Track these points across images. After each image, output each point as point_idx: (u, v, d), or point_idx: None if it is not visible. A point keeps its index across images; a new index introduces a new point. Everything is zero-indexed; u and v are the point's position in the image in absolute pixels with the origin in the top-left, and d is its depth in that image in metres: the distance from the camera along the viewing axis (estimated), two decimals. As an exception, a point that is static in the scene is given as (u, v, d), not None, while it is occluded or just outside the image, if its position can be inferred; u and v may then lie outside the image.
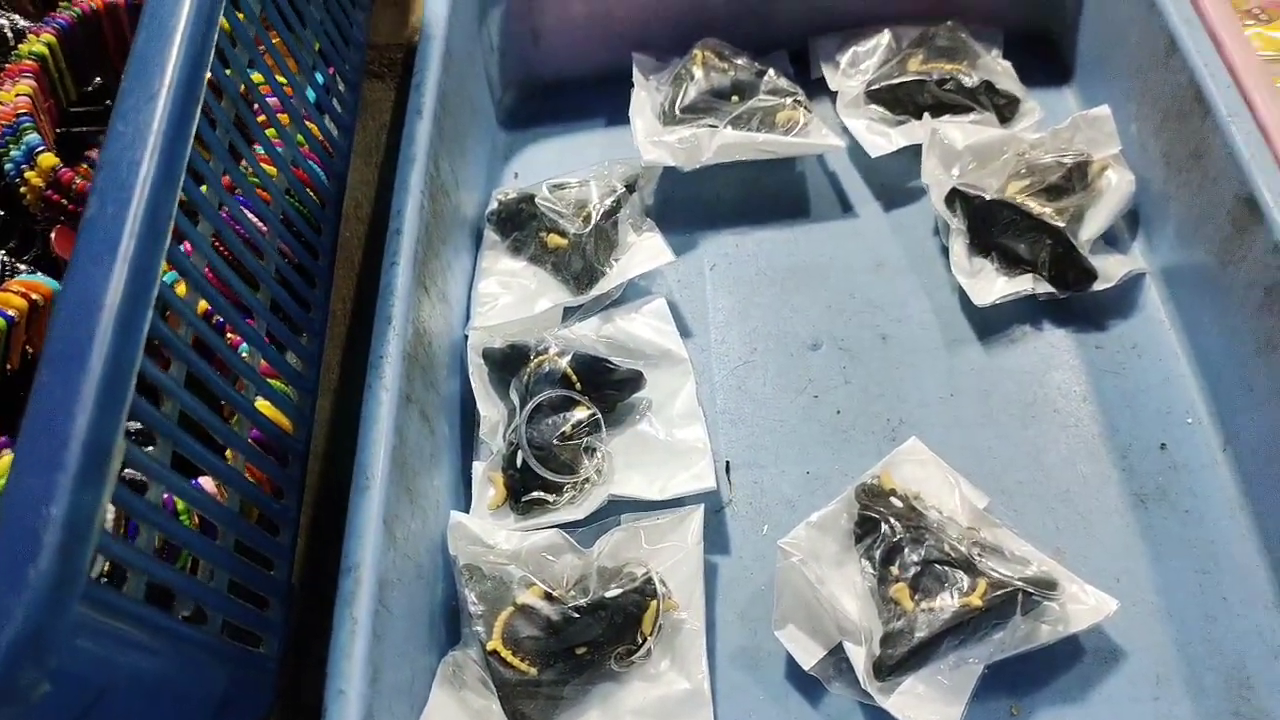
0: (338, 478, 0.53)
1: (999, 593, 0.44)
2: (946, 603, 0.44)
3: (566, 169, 0.64)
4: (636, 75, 0.68)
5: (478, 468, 0.54)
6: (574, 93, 0.73)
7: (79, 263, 0.32)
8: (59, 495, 0.28)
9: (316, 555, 0.51)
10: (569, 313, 0.59)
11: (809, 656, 0.46)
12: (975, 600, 0.44)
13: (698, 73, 0.66)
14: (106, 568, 0.37)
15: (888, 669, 0.44)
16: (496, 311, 0.58)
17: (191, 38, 0.38)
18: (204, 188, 0.42)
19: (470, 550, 0.49)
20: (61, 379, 0.30)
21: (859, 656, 0.44)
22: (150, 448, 0.36)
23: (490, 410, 0.55)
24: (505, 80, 0.72)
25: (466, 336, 0.57)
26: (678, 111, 0.65)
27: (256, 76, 0.49)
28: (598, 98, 0.72)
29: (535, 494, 0.51)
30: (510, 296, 0.59)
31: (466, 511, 0.53)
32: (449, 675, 0.46)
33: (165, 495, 0.36)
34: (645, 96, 0.67)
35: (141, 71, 0.36)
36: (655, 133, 0.64)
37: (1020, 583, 0.44)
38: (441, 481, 0.52)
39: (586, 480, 0.52)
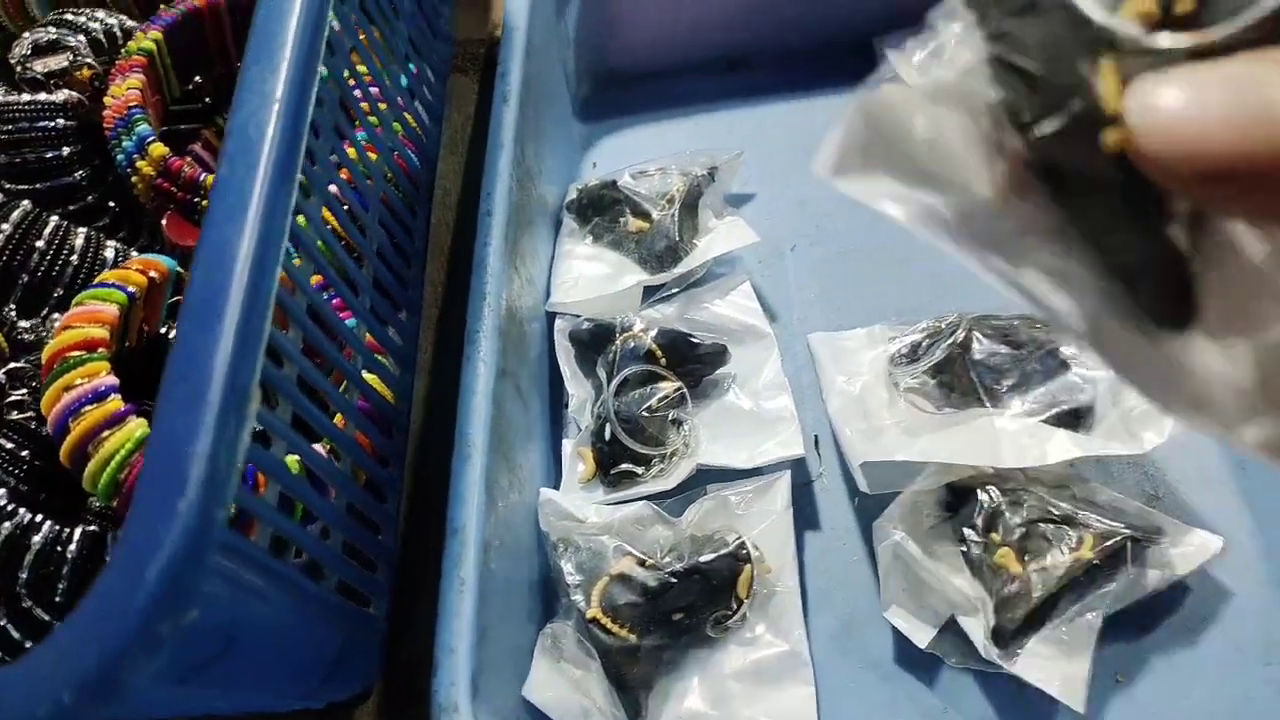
0: (432, 455, 0.54)
1: (1108, 543, 0.43)
2: (1058, 559, 0.43)
3: (643, 159, 0.65)
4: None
5: (567, 445, 0.55)
6: (650, 84, 0.74)
7: (213, 219, 0.33)
8: (203, 433, 0.29)
9: (414, 531, 0.52)
10: (649, 294, 0.60)
11: (922, 635, 0.46)
12: (1086, 553, 0.43)
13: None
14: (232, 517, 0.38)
15: (1009, 634, 0.43)
16: (578, 289, 0.59)
17: (309, 13, 0.39)
18: (315, 166, 0.43)
19: (561, 525, 0.50)
20: (201, 325, 0.31)
21: (976, 628, 0.44)
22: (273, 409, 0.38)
23: (578, 389, 0.56)
24: (581, 72, 0.73)
25: (551, 315, 0.58)
26: None
27: (360, 67, 0.51)
28: (673, 90, 0.73)
29: (624, 466, 0.52)
30: (591, 275, 0.60)
31: (557, 489, 0.53)
32: (548, 646, 0.47)
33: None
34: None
35: (264, 45, 0.38)
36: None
37: (1127, 530, 0.43)
38: (535, 457, 0.53)
39: (674, 452, 0.52)
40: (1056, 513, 0.45)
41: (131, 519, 0.28)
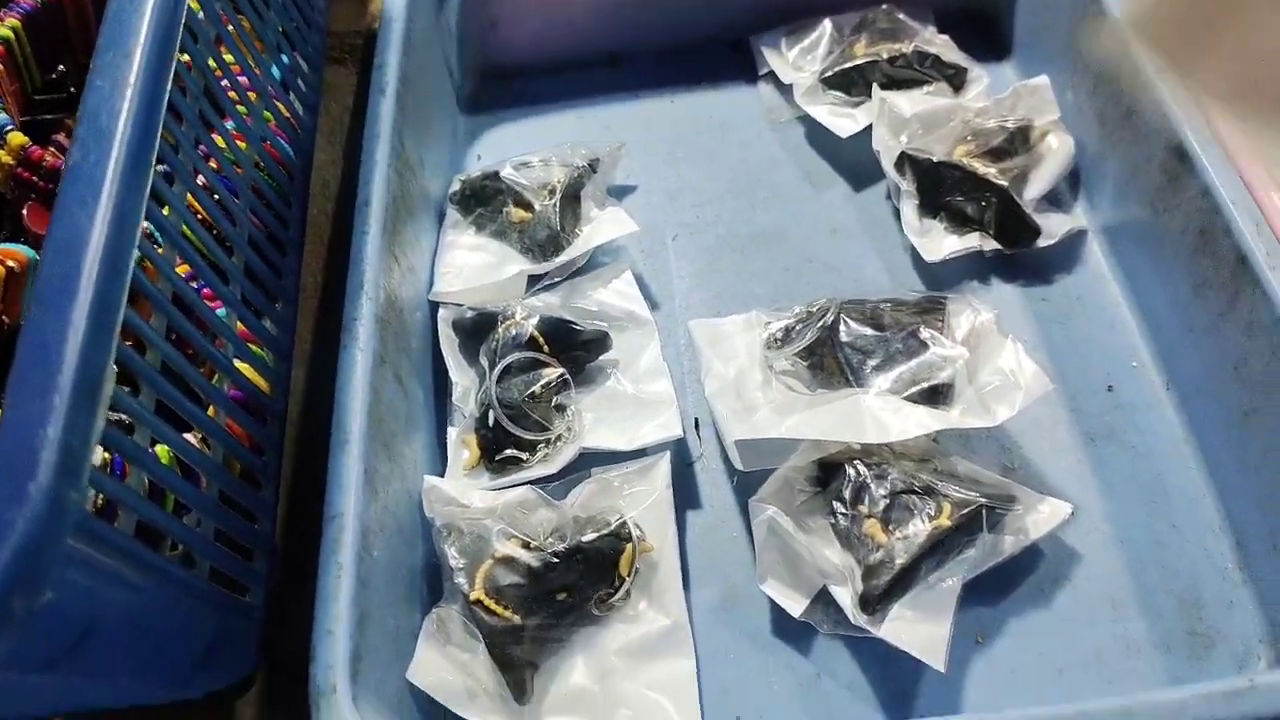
0: (314, 446, 0.54)
1: (964, 511, 0.46)
2: (919, 528, 0.46)
3: (525, 152, 0.65)
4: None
5: (452, 433, 0.55)
6: (533, 79, 0.74)
7: (64, 205, 0.33)
8: (54, 417, 0.29)
9: (295, 524, 0.52)
10: (533, 283, 0.61)
11: (796, 605, 0.47)
12: (944, 521, 0.46)
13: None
14: (99, 505, 0.37)
15: (875, 600, 0.45)
16: (461, 278, 0.59)
17: (163, 3, 0.39)
18: (179, 155, 0.43)
19: (446, 511, 0.50)
20: (52, 312, 0.31)
21: (845, 595, 0.46)
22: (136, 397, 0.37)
23: (462, 377, 0.56)
24: (465, 67, 0.73)
25: (435, 305, 0.59)
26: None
27: (227, 56, 0.50)
28: (556, 84, 0.74)
29: (508, 452, 0.52)
30: (474, 265, 0.60)
31: (443, 477, 0.54)
32: (433, 631, 0.47)
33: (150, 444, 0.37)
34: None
35: (116, 32, 0.38)
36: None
37: (983, 499, 0.46)
38: (419, 446, 0.53)
39: (558, 437, 0.53)
40: (918, 484, 0.48)
41: (-20, 504, 0.27)
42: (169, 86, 0.38)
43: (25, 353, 0.30)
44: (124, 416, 0.36)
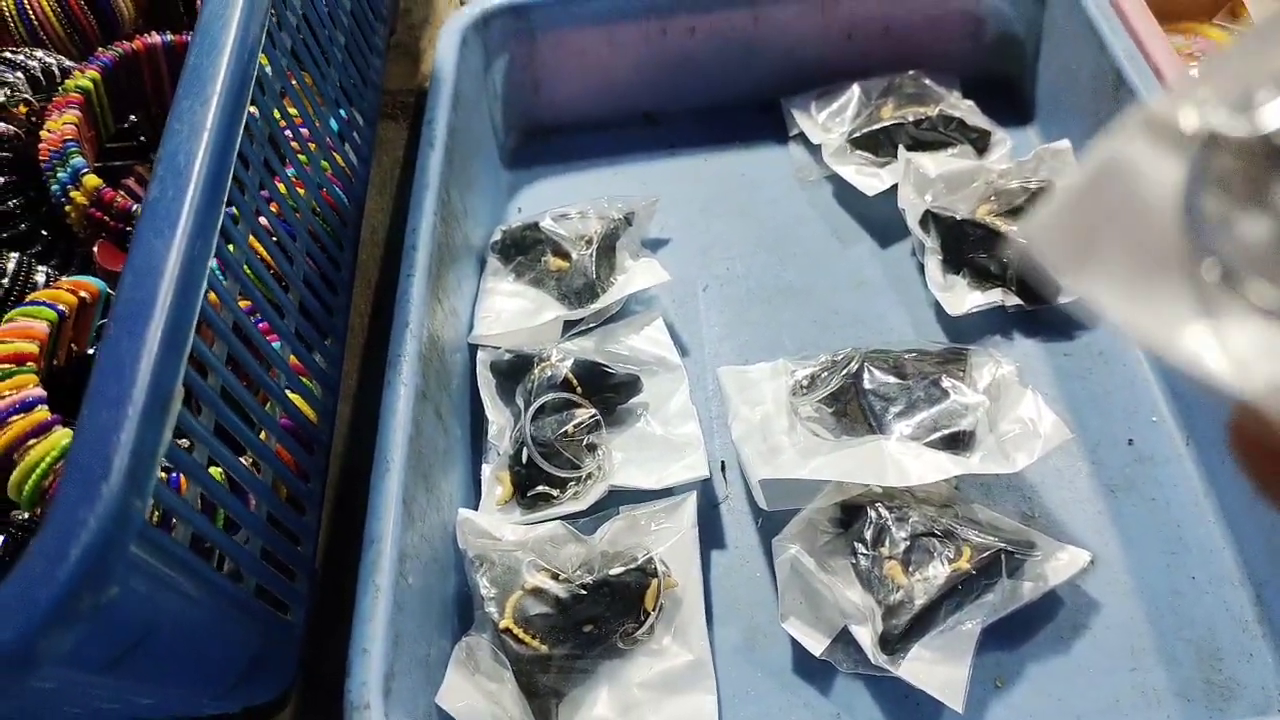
0: (355, 478, 0.56)
1: (984, 555, 0.47)
2: (939, 570, 0.47)
3: (564, 205, 0.68)
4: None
5: (486, 470, 0.57)
6: (573, 136, 0.78)
7: (143, 236, 0.35)
8: (127, 425, 0.31)
9: (334, 554, 0.54)
10: (568, 328, 0.63)
11: (816, 644, 0.48)
12: (964, 564, 0.47)
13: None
14: (156, 518, 0.40)
15: (895, 640, 0.46)
16: (500, 322, 0.62)
17: (238, 54, 0.42)
18: (245, 196, 0.46)
19: (479, 543, 0.52)
20: (128, 330, 0.33)
21: (865, 635, 0.47)
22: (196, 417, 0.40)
23: (498, 416, 0.58)
24: (509, 124, 0.77)
25: (474, 348, 0.61)
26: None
27: (291, 109, 0.54)
28: (595, 141, 0.77)
29: (540, 489, 0.54)
30: (512, 310, 0.63)
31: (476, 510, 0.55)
32: (463, 659, 0.49)
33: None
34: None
35: (195, 82, 0.41)
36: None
37: (1002, 544, 0.47)
38: (455, 481, 0.55)
39: (589, 475, 0.55)
40: (939, 528, 0.49)
41: (57, 502, 0.30)
42: (240, 134, 0.41)
43: (103, 367, 0.32)
44: (183, 439, 0.38)
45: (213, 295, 0.40)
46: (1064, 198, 0.19)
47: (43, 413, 0.41)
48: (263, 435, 0.45)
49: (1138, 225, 0.18)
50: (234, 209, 0.44)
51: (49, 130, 0.55)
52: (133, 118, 0.64)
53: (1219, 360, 0.16)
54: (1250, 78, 0.18)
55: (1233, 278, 0.17)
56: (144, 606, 0.34)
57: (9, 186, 0.55)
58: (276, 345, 0.48)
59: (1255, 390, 0.16)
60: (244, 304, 0.46)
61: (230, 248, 0.44)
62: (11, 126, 0.56)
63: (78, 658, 0.31)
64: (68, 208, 0.53)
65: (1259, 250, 0.17)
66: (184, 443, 0.40)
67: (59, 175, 0.53)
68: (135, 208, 0.53)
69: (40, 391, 0.42)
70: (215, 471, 0.42)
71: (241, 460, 0.44)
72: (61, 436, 0.41)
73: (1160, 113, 0.18)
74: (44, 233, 0.56)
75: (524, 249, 0.66)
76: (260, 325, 0.47)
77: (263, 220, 0.48)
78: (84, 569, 0.29)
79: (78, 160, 0.53)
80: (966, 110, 0.71)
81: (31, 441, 0.40)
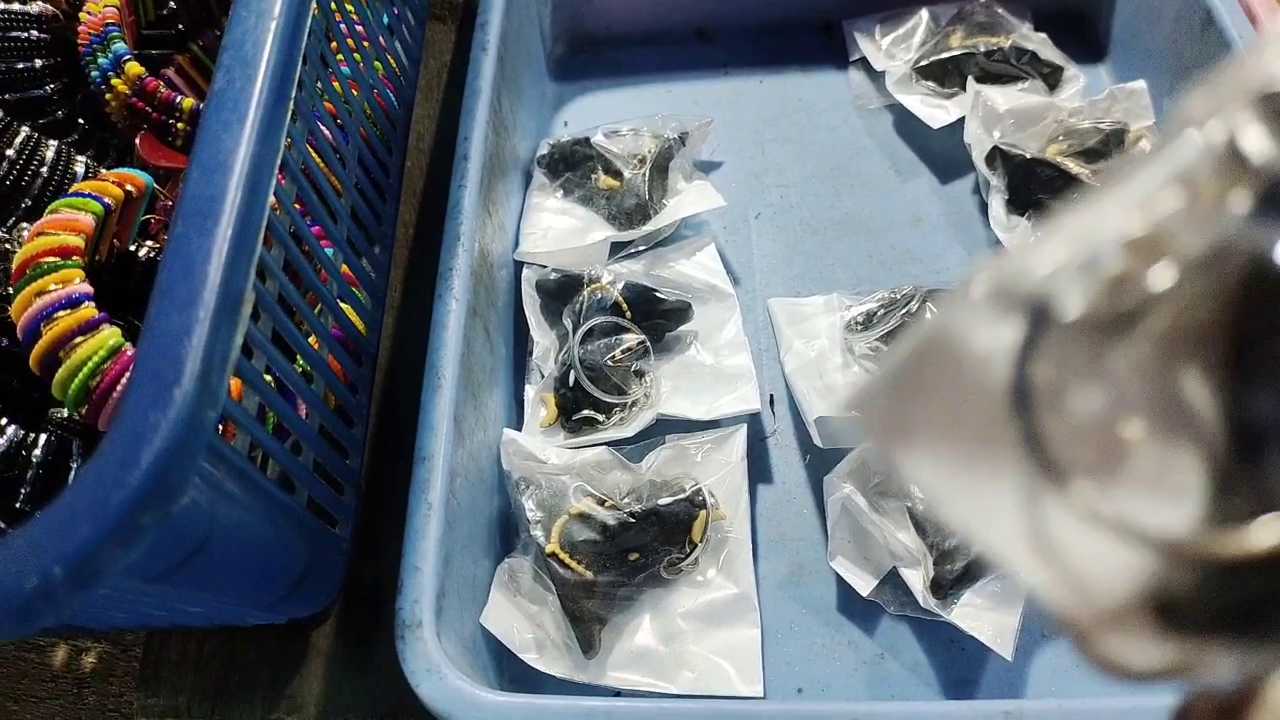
0: (398, 393, 0.55)
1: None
2: (996, 516, 0.46)
3: (611, 121, 0.66)
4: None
5: (530, 390, 0.56)
6: (622, 49, 0.75)
7: (209, 128, 0.33)
8: (198, 329, 0.30)
9: (378, 467, 0.53)
10: (616, 250, 0.61)
11: (864, 584, 0.48)
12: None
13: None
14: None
15: (947, 585, 0.46)
16: (547, 240, 0.60)
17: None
18: (302, 92, 0.44)
19: (524, 465, 0.51)
20: (197, 229, 0.31)
21: (916, 578, 0.46)
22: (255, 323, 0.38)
23: (543, 337, 0.57)
24: (557, 32, 0.74)
25: (519, 265, 0.59)
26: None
27: (348, 5, 0.51)
28: (645, 56, 0.74)
29: (586, 412, 0.53)
30: (560, 229, 0.61)
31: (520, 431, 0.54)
32: (505, 580, 0.48)
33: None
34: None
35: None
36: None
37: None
38: (499, 399, 0.54)
39: (635, 402, 0.54)
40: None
41: (126, 407, 0.28)
42: (308, 22, 0.39)
43: (171, 266, 0.31)
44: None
45: (270, 198, 0.38)
46: (892, 368, 0.17)
47: (90, 309, 0.40)
48: (314, 344, 0.43)
49: (964, 400, 0.17)
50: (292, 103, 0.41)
51: (89, 12, 0.52)
52: (171, 4, 0.61)
53: (1029, 565, 0.16)
54: (1097, 236, 0.17)
55: (1058, 473, 0.16)
56: (204, 516, 0.33)
57: (46, 69, 0.52)
58: (329, 252, 0.46)
59: (1059, 598, 0.15)
60: (297, 206, 0.44)
61: (286, 143, 0.42)
62: (50, 6, 0.53)
63: (139, 566, 0.30)
64: (108, 95, 0.51)
65: (1087, 426, 0.16)
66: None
67: (99, 61, 0.51)
68: (179, 100, 0.51)
69: (87, 287, 0.40)
70: (268, 380, 0.41)
71: (295, 369, 0.43)
72: (109, 335, 0.39)
73: (1000, 275, 0.17)
74: (80, 121, 0.54)
75: (573, 165, 0.64)
76: (314, 229, 0.45)
77: (319, 121, 0.46)
78: (155, 474, 0.28)
79: (120, 46, 0.51)
80: (1039, 43, 0.67)
81: (79, 339, 0.39)
